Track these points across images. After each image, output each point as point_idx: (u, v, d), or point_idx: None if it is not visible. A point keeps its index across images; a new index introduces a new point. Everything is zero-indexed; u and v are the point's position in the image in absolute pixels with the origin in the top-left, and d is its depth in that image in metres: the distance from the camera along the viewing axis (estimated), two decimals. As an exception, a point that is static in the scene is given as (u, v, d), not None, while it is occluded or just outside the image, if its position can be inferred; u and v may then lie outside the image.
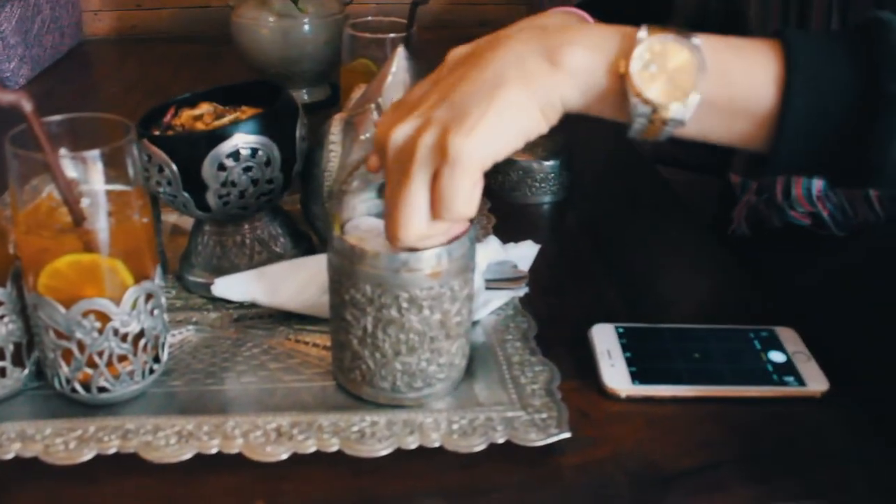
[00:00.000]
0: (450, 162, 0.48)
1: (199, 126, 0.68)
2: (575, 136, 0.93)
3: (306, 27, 1.09)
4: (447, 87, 0.51)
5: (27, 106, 0.49)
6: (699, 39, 0.50)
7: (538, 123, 0.51)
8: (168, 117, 0.70)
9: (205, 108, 0.70)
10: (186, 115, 0.69)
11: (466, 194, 0.49)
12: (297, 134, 0.67)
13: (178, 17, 1.59)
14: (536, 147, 0.87)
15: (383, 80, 0.66)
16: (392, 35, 0.84)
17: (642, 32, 0.50)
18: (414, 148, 0.50)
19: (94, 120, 0.58)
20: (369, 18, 0.89)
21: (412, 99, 0.53)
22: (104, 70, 1.47)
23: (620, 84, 0.50)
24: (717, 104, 0.50)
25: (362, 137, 0.66)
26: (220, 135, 0.63)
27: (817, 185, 0.77)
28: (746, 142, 0.52)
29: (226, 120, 0.67)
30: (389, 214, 0.51)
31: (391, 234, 0.51)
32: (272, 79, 1.13)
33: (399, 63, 0.66)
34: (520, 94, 0.50)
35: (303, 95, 1.15)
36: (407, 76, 0.66)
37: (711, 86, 0.49)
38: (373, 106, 0.66)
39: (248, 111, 0.69)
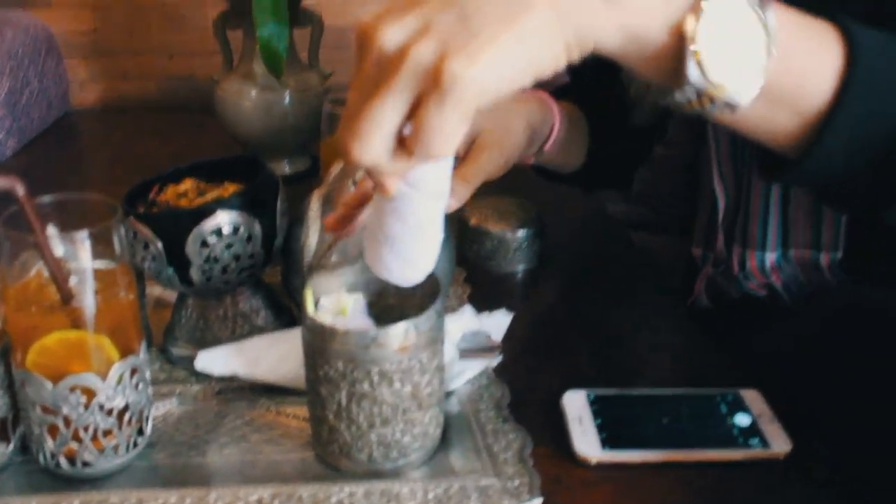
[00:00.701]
0: (441, 89, 0.40)
1: (183, 202, 0.70)
2: (547, 204, 0.97)
3: (287, 101, 1.12)
4: None
5: (20, 190, 0.52)
6: (772, 13, 0.44)
7: (557, 60, 0.43)
8: (153, 194, 0.72)
9: (188, 184, 0.73)
10: (171, 191, 0.72)
11: (450, 132, 0.41)
12: (278, 210, 0.70)
13: (164, 88, 1.63)
14: (510, 217, 0.90)
15: (360, 158, 0.69)
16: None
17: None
18: (402, 58, 0.41)
19: (83, 198, 0.60)
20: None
21: None
22: (90, 140, 1.50)
23: (678, 44, 0.44)
24: (771, 93, 0.46)
25: (340, 213, 0.69)
26: (204, 212, 0.66)
27: (770, 256, 0.79)
28: (779, 139, 0.50)
29: (209, 197, 0.70)
30: (346, 124, 0.43)
31: (343, 145, 0.43)
32: (255, 149, 1.17)
33: (375, 142, 0.69)
34: (549, 21, 0.42)
35: (284, 166, 1.18)
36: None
37: (772, 73, 0.45)
38: (350, 182, 0.69)
39: (230, 187, 0.72)
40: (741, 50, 0.44)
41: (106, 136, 1.47)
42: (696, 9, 0.43)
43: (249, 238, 0.67)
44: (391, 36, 0.41)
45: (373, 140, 0.42)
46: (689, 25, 0.43)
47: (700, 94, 0.45)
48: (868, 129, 0.48)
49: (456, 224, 0.90)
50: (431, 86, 0.40)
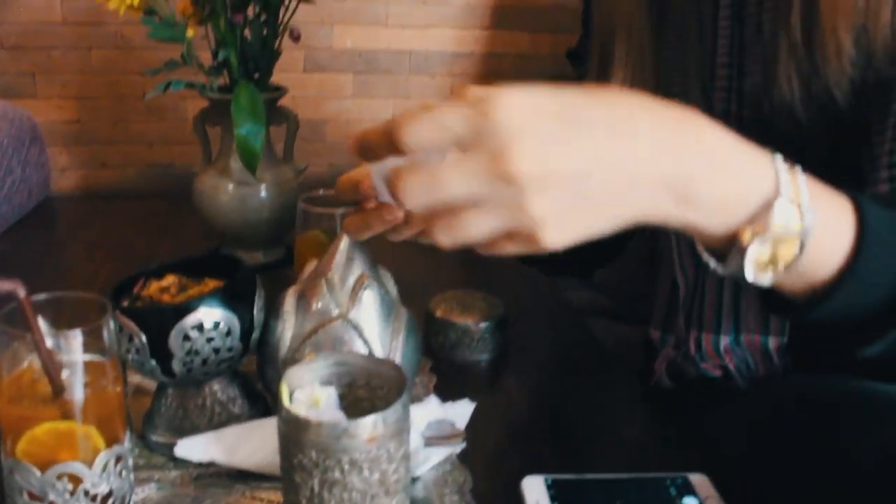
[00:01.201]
0: (529, 244, 0.49)
1: (166, 298, 0.75)
2: (509, 294, 1.02)
3: (263, 194, 1.18)
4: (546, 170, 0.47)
5: (21, 293, 0.56)
6: (811, 214, 0.51)
7: (615, 229, 0.51)
8: (137, 288, 0.77)
9: (171, 279, 0.78)
10: (154, 286, 0.77)
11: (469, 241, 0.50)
12: (256, 306, 0.75)
13: (143, 175, 1.68)
14: (473, 309, 0.96)
15: (332, 257, 0.75)
16: (341, 210, 0.93)
17: (775, 201, 0.51)
18: (520, 209, 0.47)
19: (75, 297, 0.65)
20: (321, 192, 0.99)
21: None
22: (69, 226, 1.54)
23: (731, 240, 0.52)
24: (792, 272, 0.54)
25: (314, 309, 0.74)
26: (187, 308, 0.70)
27: (724, 340, 0.84)
28: (788, 295, 0.57)
29: (191, 293, 0.75)
30: (446, 224, 0.49)
31: (438, 237, 0.50)
32: (231, 239, 1.22)
33: (346, 242, 0.75)
34: (630, 217, 0.50)
35: (259, 255, 1.23)
36: (354, 254, 0.75)
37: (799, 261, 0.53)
38: (323, 281, 0.74)
39: (210, 283, 0.76)
40: (778, 252, 0.52)
41: (85, 222, 1.51)
42: (753, 224, 0.51)
43: (229, 332, 0.72)
44: (526, 178, 0.47)
45: (461, 240, 0.50)
46: (746, 238, 0.52)
47: (736, 273, 0.53)
48: (863, 297, 0.56)
49: (422, 316, 0.95)
50: (524, 236, 0.49)
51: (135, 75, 1.59)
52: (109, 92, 1.63)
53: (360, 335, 0.73)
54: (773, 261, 0.53)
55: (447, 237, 0.50)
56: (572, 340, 1.07)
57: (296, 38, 1.20)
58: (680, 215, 0.51)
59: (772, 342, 0.82)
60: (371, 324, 0.74)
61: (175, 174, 1.65)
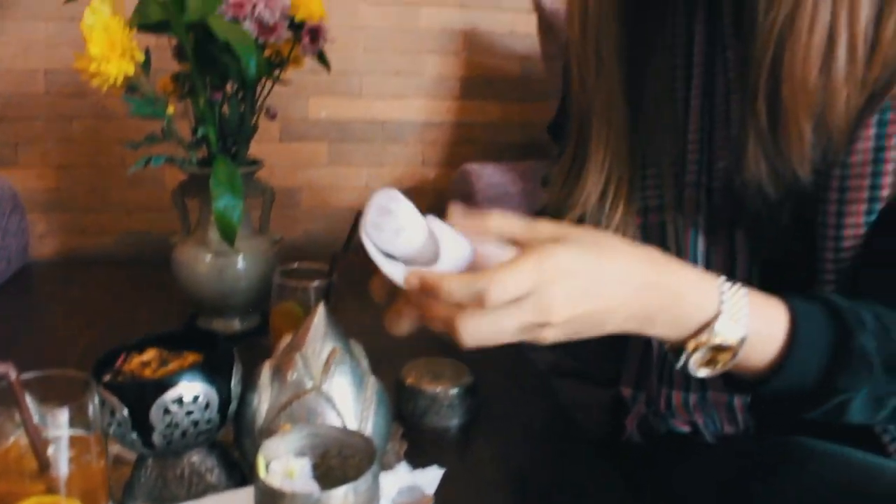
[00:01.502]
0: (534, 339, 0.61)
1: (147, 372, 0.78)
2: (476, 360, 1.06)
3: (240, 265, 1.22)
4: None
5: (13, 374, 0.60)
6: (744, 332, 0.65)
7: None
8: (119, 362, 0.80)
9: (151, 353, 0.81)
10: (135, 360, 0.80)
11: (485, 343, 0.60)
12: (233, 379, 0.78)
13: (121, 242, 1.71)
14: (442, 376, 1.00)
15: (306, 332, 0.79)
16: (315, 283, 0.97)
17: (715, 322, 0.65)
18: (539, 320, 0.59)
19: (62, 375, 0.68)
20: (296, 265, 1.03)
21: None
22: (47, 293, 1.56)
23: (680, 346, 0.66)
24: (730, 368, 0.67)
25: (288, 381, 0.78)
26: (167, 383, 0.74)
27: (693, 397, 0.88)
28: (746, 375, 0.69)
29: (171, 367, 0.78)
30: (478, 325, 0.59)
31: (464, 339, 0.59)
32: (208, 308, 1.25)
33: (320, 318, 0.79)
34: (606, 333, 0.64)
35: (235, 323, 1.26)
36: (327, 329, 0.79)
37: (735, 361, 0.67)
38: (298, 355, 0.78)
39: (189, 357, 0.80)
40: (718, 355, 0.67)
41: (63, 289, 1.53)
42: (700, 340, 0.66)
43: (208, 405, 0.75)
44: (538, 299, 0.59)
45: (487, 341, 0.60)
46: (690, 347, 0.66)
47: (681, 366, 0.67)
48: (798, 379, 0.67)
49: (393, 383, 0.99)
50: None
51: (115, 144, 1.64)
52: (90, 161, 1.67)
53: (333, 406, 0.77)
54: (712, 362, 0.67)
55: (472, 341, 0.60)
56: (539, 403, 1.11)
57: (272, 116, 1.25)
58: (645, 332, 0.65)
59: (736, 400, 0.86)
60: (343, 395, 0.78)
61: (153, 241, 1.68)
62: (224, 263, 1.22)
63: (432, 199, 1.76)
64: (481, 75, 1.75)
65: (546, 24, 1.58)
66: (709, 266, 0.83)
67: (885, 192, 0.69)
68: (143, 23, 1.15)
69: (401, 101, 1.72)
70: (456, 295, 0.57)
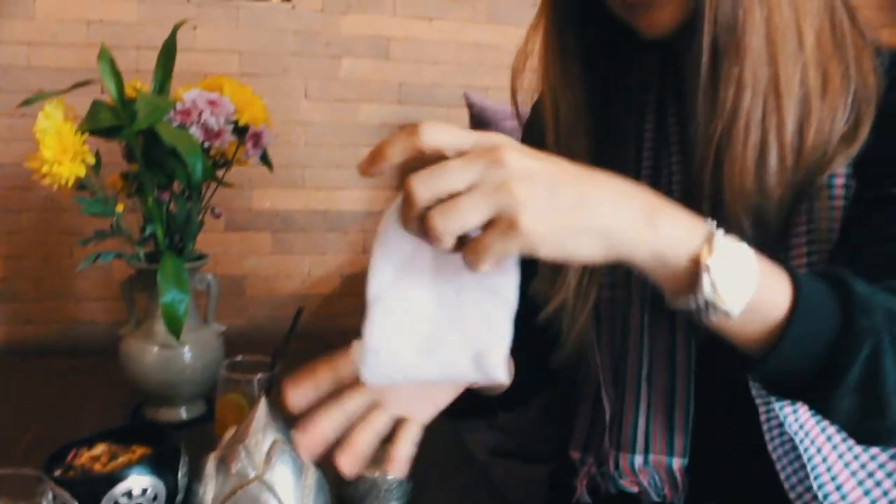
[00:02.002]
0: (512, 230, 0.52)
1: (97, 466, 0.83)
2: (416, 446, 1.11)
3: (186, 357, 1.26)
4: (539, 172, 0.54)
5: (-28, 477, 0.64)
6: (754, 254, 0.60)
7: (591, 259, 0.56)
8: (70, 457, 0.85)
9: (101, 448, 0.86)
10: (86, 455, 0.85)
11: (497, 254, 0.53)
12: (180, 471, 0.83)
13: (68, 332, 1.74)
14: (381, 461, 1.05)
15: (249, 424, 0.85)
16: (259, 376, 1.03)
17: (716, 228, 0.60)
18: (503, 189, 0.52)
19: (15, 473, 0.73)
20: (240, 358, 1.08)
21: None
22: (-7, 383, 1.58)
23: (694, 268, 0.59)
24: (751, 308, 0.61)
25: (232, 472, 0.83)
26: (117, 477, 0.79)
27: (639, 458, 0.92)
28: (749, 342, 0.64)
29: (120, 461, 0.83)
30: (442, 209, 0.52)
31: (431, 218, 0.52)
32: (155, 397, 1.29)
33: (262, 410, 0.85)
34: (602, 229, 0.55)
35: (181, 412, 1.30)
36: (269, 421, 0.85)
37: (755, 293, 0.60)
38: (241, 446, 0.83)
39: (138, 450, 0.85)
40: (739, 275, 0.60)
41: (8, 379, 1.53)
42: (709, 244, 0.59)
43: (156, 497, 0.80)
44: (513, 165, 0.53)
45: (454, 224, 0.53)
46: (704, 256, 0.58)
47: (706, 304, 0.60)
48: (808, 340, 0.63)
49: (332, 468, 1.04)
50: (507, 221, 0.52)
51: (63, 235, 1.68)
52: (37, 252, 1.71)
53: (275, 495, 0.82)
54: (735, 273, 0.60)
55: (443, 221, 0.52)
56: (476, 487, 1.16)
57: (216, 215, 1.32)
58: (647, 238, 0.58)
59: (675, 462, 0.91)
60: (285, 484, 0.83)
61: (99, 330, 1.71)
62: (170, 355, 1.26)
63: (373, 284, 1.83)
64: (419, 166, 1.84)
65: (476, 118, 1.68)
66: (652, 340, 0.90)
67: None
68: (94, 128, 1.21)
69: (341, 191, 1.80)
70: (393, 144, 0.54)
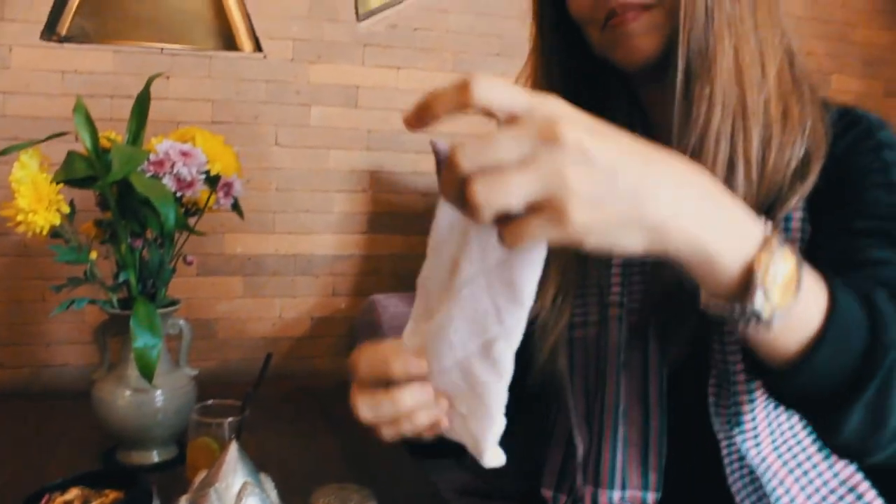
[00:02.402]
0: (557, 213, 0.48)
1: (71, 511, 0.86)
2: (382, 479, 1.14)
3: (158, 401, 1.29)
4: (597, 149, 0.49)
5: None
6: (805, 264, 0.59)
7: (634, 251, 0.52)
8: (43, 502, 0.87)
9: (74, 492, 0.88)
10: (59, 500, 0.87)
11: (538, 241, 0.51)
12: (151, 514, 0.86)
13: (39, 375, 1.75)
14: (350, 502, 1.08)
15: (220, 467, 0.88)
16: (229, 420, 1.06)
17: (774, 235, 0.57)
18: (559, 176, 0.48)
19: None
20: (211, 402, 1.11)
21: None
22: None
23: (745, 276, 0.56)
24: (790, 319, 0.59)
25: (203, 514, 0.86)
26: (90, 522, 0.82)
27: (617, 494, 0.94)
28: (779, 354, 0.63)
29: (93, 505, 0.86)
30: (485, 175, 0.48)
31: (474, 190, 0.48)
32: (126, 441, 1.31)
33: (232, 454, 0.88)
34: (651, 228, 0.51)
35: (153, 455, 1.32)
36: (239, 464, 0.88)
37: (797, 305, 0.58)
38: (212, 490, 0.86)
39: (111, 494, 0.88)
40: (789, 288, 0.58)
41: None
42: (766, 251, 0.56)
43: (128, 541, 0.83)
44: (571, 145, 0.48)
45: (497, 200, 0.48)
46: (759, 267, 0.56)
47: (751, 314, 0.58)
48: (839, 354, 0.62)
49: None
50: (554, 209, 0.48)
51: (35, 280, 1.70)
52: (10, 296, 1.73)
53: (244, 536, 0.85)
54: (786, 286, 0.58)
55: (486, 194, 0.48)
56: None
57: (189, 263, 1.35)
58: (699, 238, 0.54)
59: (650, 497, 0.94)
60: (254, 525, 0.86)
61: (71, 373, 1.73)
62: (143, 399, 1.28)
63: (343, 327, 1.87)
64: (386, 211, 1.89)
65: (442, 164, 1.73)
66: (628, 368, 0.93)
67: None
68: (69, 178, 1.25)
69: (311, 236, 1.84)
70: (441, 98, 0.51)
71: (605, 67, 0.93)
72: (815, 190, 0.85)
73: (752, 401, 0.86)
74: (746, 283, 0.56)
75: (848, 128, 0.89)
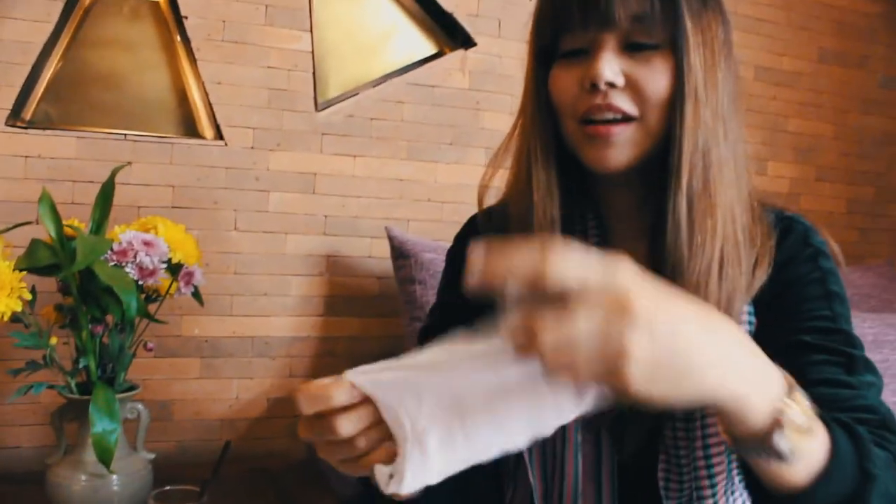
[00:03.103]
0: (619, 381, 0.54)
1: None
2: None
3: (114, 486, 1.30)
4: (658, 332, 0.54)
5: None
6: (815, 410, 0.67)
7: (678, 405, 0.58)
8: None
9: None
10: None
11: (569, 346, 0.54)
12: None
13: (-9, 458, 1.74)
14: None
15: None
16: (187, 505, 1.09)
17: (792, 381, 0.66)
18: (622, 352, 0.53)
19: None
20: (168, 488, 1.14)
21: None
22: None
23: (771, 427, 0.64)
24: (796, 455, 0.65)
25: None
26: None
27: None
28: (786, 484, 0.68)
29: None
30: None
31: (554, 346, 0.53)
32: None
33: (191, 541, 0.91)
34: (702, 393, 0.58)
35: (108, 542, 1.33)
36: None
37: (806, 444, 0.66)
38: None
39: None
40: (807, 429, 0.66)
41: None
42: (790, 395, 0.65)
43: None
44: (639, 313, 0.53)
45: (562, 372, 0.55)
46: (787, 409, 0.64)
47: (774, 452, 0.65)
48: (836, 485, 0.70)
49: None
50: (610, 369, 0.54)
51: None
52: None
53: None
54: (804, 431, 0.65)
55: (557, 366, 0.54)
56: None
57: (149, 350, 1.38)
58: (737, 401, 0.62)
59: None
60: None
61: (24, 456, 1.72)
62: (99, 484, 1.30)
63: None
64: (342, 294, 1.93)
65: (396, 249, 1.79)
66: (583, 459, 0.95)
67: None
68: (32, 266, 1.28)
69: (269, 318, 1.88)
70: (517, 265, 0.54)
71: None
72: (760, 289, 0.91)
73: (713, 486, 0.90)
74: (772, 425, 0.64)
75: (785, 233, 0.95)
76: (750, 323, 0.92)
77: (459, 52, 2.06)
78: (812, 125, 2.53)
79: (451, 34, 2.08)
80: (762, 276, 0.91)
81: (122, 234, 1.32)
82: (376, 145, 1.97)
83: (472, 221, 1.12)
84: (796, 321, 0.91)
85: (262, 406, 1.88)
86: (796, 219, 0.98)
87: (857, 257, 2.52)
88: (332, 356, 1.93)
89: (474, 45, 2.05)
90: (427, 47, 2.08)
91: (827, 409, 0.74)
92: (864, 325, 1.89)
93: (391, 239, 1.81)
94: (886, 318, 1.95)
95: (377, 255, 1.95)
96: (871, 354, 1.93)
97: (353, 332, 1.94)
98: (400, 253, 1.78)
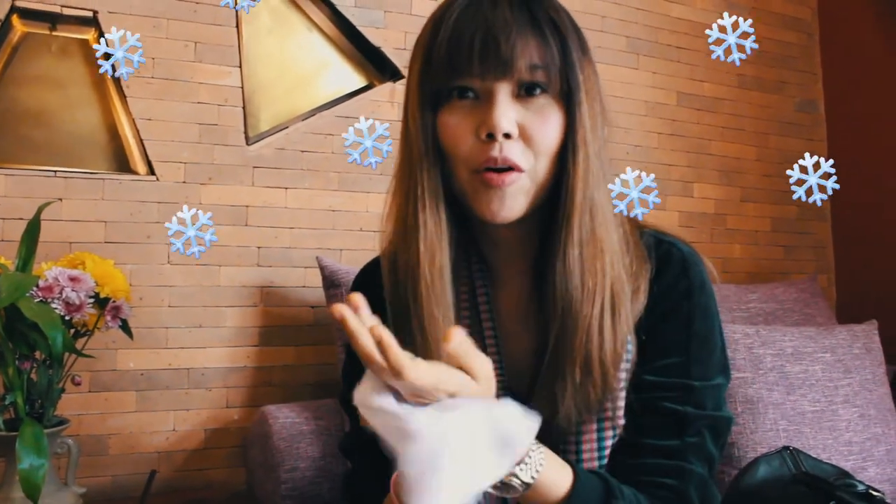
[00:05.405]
0: None
1: None
2: None
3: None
4: None
5: None
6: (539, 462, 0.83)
7: None
8: None
9: None
10: None
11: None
12: None
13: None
14: None
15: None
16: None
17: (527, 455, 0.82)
18: None
19: None
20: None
21: None
22: None
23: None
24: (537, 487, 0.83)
25: None
26: None
27: None
28: None
29: None
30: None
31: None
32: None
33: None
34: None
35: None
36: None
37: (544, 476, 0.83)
38: None
39: None
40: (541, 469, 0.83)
41: None
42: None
43: None
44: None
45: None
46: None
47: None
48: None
49: None
50: None
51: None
52: None
53: None
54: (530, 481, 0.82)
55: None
56: None
57: (77, 384, 1.40)
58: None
59: None
60: None
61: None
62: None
63: (236, 438, 1.91)
64: (277, 324, 1.96)
65: (328, 279, 1.83)
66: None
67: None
68: (-43, 304, 1.29)
69: (204, 350, 1.90)
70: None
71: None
72: (639, 321, 0.95)
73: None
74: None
75: (664, 262, 0.97)
76: (628, 351, 0.95)
77: (388, 85, 2.12)
78: (735, 148, 2.63)
79: (379, 67, 2.13)
80: (639, 306, 0.95)
81: (48, 270, 1.34)
82: (307, 177, 2.01)
83: (364, 272, 1.12)
84: (651, 360, 0.95)
85: (200, 437, 1.90)
86: (675, 244, 0.99)
87: (783, 273, 2.61)
88: (269, 385, 1.95)
89: (402, 77, 2.11)
90: (356, 80, 2.13)
91: (646, 476, 0.91)
92: (784, 339, 1.96)
93: (322, 269, 1.84)
94: (805, 331, 2.03)
95: (311, 285, 1.98)
96: (791, 366, 2.01)
97: (288, 361, 1.97)
98: (331, 282, 1.81)
